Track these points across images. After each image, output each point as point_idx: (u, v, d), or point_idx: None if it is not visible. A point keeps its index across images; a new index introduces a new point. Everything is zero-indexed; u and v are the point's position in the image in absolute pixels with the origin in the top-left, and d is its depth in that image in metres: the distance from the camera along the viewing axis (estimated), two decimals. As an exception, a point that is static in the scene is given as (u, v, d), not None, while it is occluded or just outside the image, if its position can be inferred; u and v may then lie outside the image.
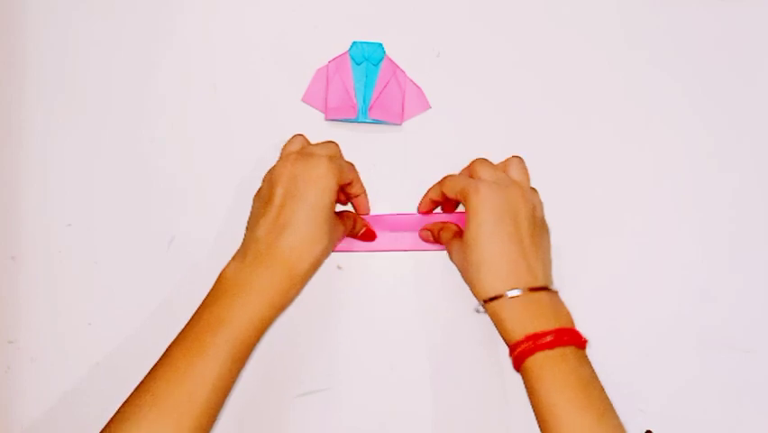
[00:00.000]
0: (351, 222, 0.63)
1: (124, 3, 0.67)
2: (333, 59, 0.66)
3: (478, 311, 0.58)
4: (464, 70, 0.67)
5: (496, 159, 0.66)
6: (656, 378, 0.65)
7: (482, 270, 0.56)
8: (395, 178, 0.66)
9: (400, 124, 0.66)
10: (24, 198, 0.66)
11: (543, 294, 0.56)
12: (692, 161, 0.67)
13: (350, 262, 0.66)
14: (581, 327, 0.64)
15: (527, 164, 0.64)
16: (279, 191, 0.57)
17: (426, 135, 0.66)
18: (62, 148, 0.66)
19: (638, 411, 0.65)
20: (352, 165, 0.62)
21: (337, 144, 0.61)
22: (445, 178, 0.62)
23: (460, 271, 0.60)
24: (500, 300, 0.55)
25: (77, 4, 0.67)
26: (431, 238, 0.64)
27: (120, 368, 0.65)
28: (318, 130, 0.66)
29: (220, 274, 0.57)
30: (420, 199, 0.65)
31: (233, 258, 0.58)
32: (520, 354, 0.54)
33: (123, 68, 0.67)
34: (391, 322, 0.65)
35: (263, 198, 0.59)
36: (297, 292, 0.57)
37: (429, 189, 0.64)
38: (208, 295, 0.56)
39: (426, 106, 0.67)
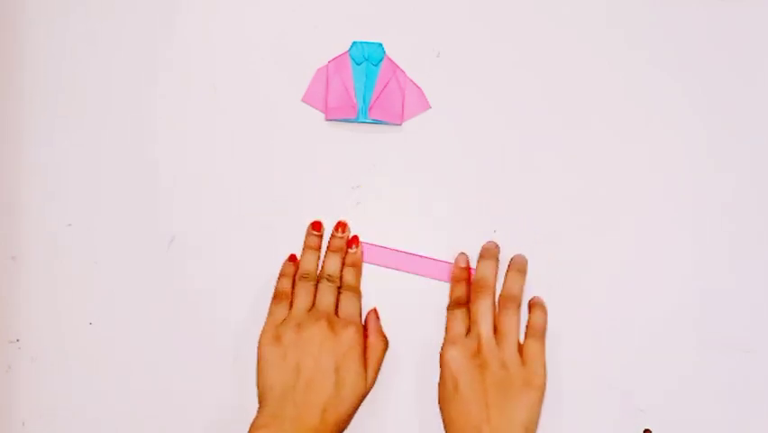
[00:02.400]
0: (380, 348, 0.64)
1: (125, 3, 0.67)
2: (333, 59, 0.66)
3: None
4: (464, 70, 0.67)
5: (496, 159, 0.66)
6: (656, 378, 0.65)
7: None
8: (395, 178, 0.66)
9: (400, 124, 0.66)
10: (25, 198, 0.66)
11: None
12: (692, 161, 0.66)
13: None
14: (582, 327, 0.65)
15: (526, 164, 0.65)
16: (309, 364, 0.60)
17: (426, 135, 0.66)
18: (63, 148, 0.66)
19: (638, 411, 0.65)
20: (352, 303, 0.64)
21: (335, 287, 0.64)
22: (451, 308, 0.64)
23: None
24: None
25: (77, 5, 0.67)
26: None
27: (120, 368, 0.65)
28: (318, 130, 0.66)
29: None
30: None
31: (263, 427, 0.59)
32: None
33: (123, 68, 0.67)
34: (391, 322, 0.65)
35: (289, 364, 0.61)
36: None
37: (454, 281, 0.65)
38: None
39: (426, 106, 0.67)
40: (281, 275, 0.65)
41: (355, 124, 0.66)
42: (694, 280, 0.66)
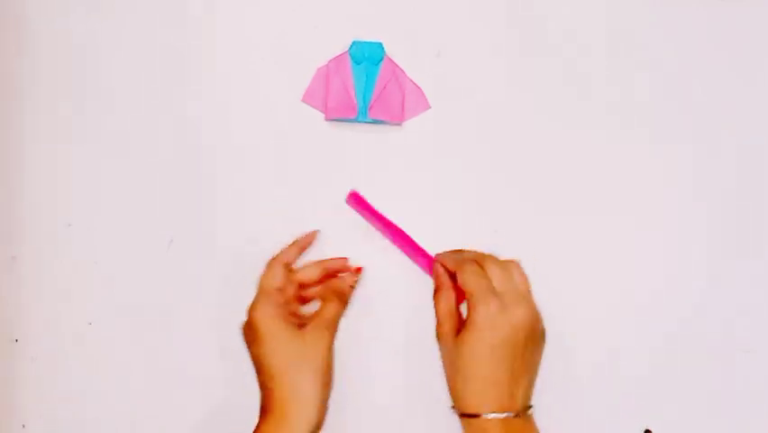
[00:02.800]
0: (334, 308, 0.62)
1: (125, 3, 0.67)
2: (333, 58, 0.66)
3: (453, 409, 0.59)
4: (464, 70, 0.67)
5: (496, 159, 0.66)
6: (656, 378, 0.65)
7: (469, 386, 0.57)
8: (395, 178, 0.66)
9: (400, 124, 0.66)
10: (25, 199, 0.66)
11: (520, 421, 0.57)
12: (692, 162, 0.66)
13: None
14: (581, 327, 0.65)
15: (526, 164, 0.65)
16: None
17: (426, 135, 0.66)
18: (63, 148, 0.66)
19: (638, 411, 0.65)
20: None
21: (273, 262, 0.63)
22: (464, 266, 0.60)
23: (444, 368, 0.60)
24: (478, 420, 0.56)
25: (78, 4, 0.67)
26: (437, 273, 0.63)
27: (120, 368, 0.65)
28: (318, 130, 0.66)
29: None
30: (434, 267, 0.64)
31: None
32: None
33: (123, 68, 0.67)
34: (391, 322, 0.65)
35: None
36: None
37: (446, 257, 0.63)
38: None
39: (426, 106, 0.67)
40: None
41: (355, 124, 0.66)
42: (694, 280, 0.66)
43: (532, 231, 0.66)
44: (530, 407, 0.58)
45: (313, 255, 0.65)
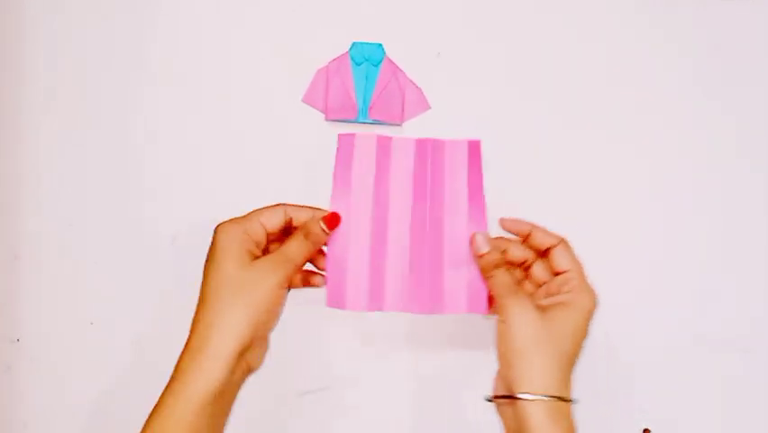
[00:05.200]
0: (298, 245, 0.55)
1: (125, 3, 0.67)
2: (334, 59, 0.66)
3: (488, 400, 0.55)
4: (464, 70, 0.67)
5: (495, 159, 0.66)
6: (655, 377, 0.65)
7: (536, 368, 0.52)
8: (395, 178, 0.66)
9: (400, 125, 0.66)
10: (27, 199, 0.66)
11: (569, 407, 0.53)
12: (691, 162, 0.67)
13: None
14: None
15: (526, 164, 0.65)
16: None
17: (426, 135, 0.66)
18: (64, 148, 0.67)
19: (638, 411, 0.65)
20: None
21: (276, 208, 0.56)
22: (559, 245, 0.56)
23: (500, 343, 0.53)
24: (534, 402, 0.51)
25: (77, 4, 0.67)
26: (481, 250, 0.55)
27: (120, 368, 0.65)
28: (318, 130, 0.66)
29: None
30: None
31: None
32: None
33: (124, 68, 0.67)
34: (390, 321, 0.65)
35: None
36: (219, 376, 0.52)
37: (504, 243, 0.57)
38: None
39: (426, 107, 0.67)
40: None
41: (355, 125, 0.66)
42: (694, 280, 0.66)
43: (531, 231, 0.66)
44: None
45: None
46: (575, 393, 0.63)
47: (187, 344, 0.53)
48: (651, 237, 0.66)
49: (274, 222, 0.55)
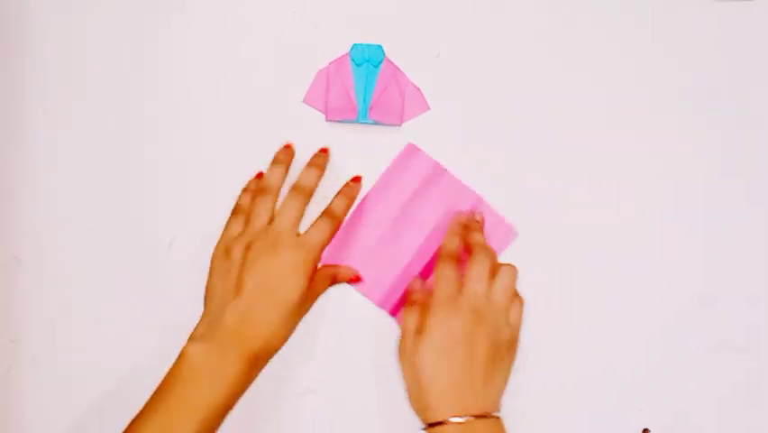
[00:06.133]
0: (326, 284, 0.63)
1: (126, 3, 0.67)
2: (334, 60, 0.67)
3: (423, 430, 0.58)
4: (464, 71, 0.67)
5: (495, 160, 0.66)
6: (655, 378, 0.65)
7: (427, 395, 0.56)
8: (395, 178, 0.66)
9: (400, 125, 0.66)
10: (27, 198, 0.66)
11: (486, 422, 0.56)
12: (690, 163, 0.67)
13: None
14: (580, 327, 0.65)
15: (526, 164, 0.65)
16: (250, 283, 0.58)
17: (426, 136, 0.67)
18: (64, 148, 0.67)
19: (637, 411, 0.65)
20: (322, 228, 0.62)
21: (301, 196, 0.62)
22: (438, 266, 0.61)
23: (407, 386, 0.59)
24: (443, 427, 0.55)
25: (78, 4, 0.67)
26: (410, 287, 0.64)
27: (120, 368, 0.65)
28: (319, 131, 0.66)
29: (184, 352, 0.58)
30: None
31: (198, 337, 0.59)
32: None
33: (124, 68, 0.67)
34: (391, 322, 0.65)
35: (231, 280, 0.59)
36: (255, 378, 0.60)
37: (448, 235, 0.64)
38: (173, 372, 0.57)
39: (426, 108, 0.67)
40: (244, 190, 0.64)
41: (355, 125, 0.66)
42: (693, 281, 0.66)
43: (531, 231, 0.66)
44: (498, 412, 0.58)
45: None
46: (573, 392, 0.64)
47: (237, 337, 0.58)
48: (648, 238, 0.66)
49: (327, 242, 0.62)
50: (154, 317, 0.65)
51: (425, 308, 0.59)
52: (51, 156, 0.66)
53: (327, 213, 0.63)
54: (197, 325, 0.60)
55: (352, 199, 0.65)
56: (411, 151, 0.66)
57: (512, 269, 0.61)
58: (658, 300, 0.66)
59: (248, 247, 0.60)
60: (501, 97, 0.67)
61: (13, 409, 0.65)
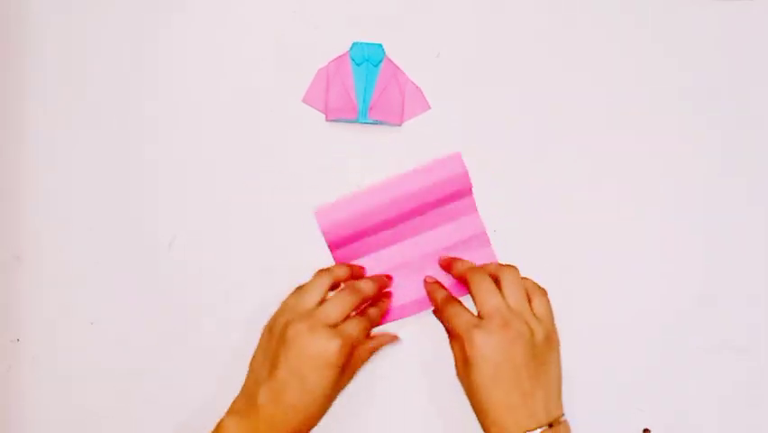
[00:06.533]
0: (367, 356, 0.63)
1: (125, 3, 0.67)
2: (334, 59, 0.67)
3: None
4: (464, 71, 0.67)
5: (495, 159, 0.66)
6: (655, 378, 0.65)
7: (487, 419, 0.57)
8: (395, 178, 0.66)
9: (400, 125, 0.66)
10: (27, 198, 0.66)
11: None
12: (690, 163, 0.67)
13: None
14: (580, 327, 0.65)
15: (526, 164, 0.65)
16: (284, 364, 0.58)
17: (426, 136, 0.67)
18: (64, 148, 0.67)
19: (637, 411, 0.65)
20: (362, 325, 0.61)
21: (353, 297, 0.61)
22: (447, 306, 0.62)
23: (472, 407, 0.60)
24: None
25: (78, 4, 0.67)
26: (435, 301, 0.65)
27: (120, 368, 0.65)
28: (319, 130, 0.66)
29: (222, 425, 0.58)
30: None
31: (236, 411, 0.59)
32: None
33: (124, 68, 0.67)
34: (391, 322, 0.65)
35: (269, 358, 0.59)
36: None
37: (433, 293, 0.64)
38: None
39: (426, 107, 0.67)
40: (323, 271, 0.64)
41: (355, 125, 0.66)
42: (693, 281, 0.66)
43: (531, 231, 0.66)
44: (561, 416, 0.59)
45: (313, 257, 0.65)
46: (573, 393, 0.64)
47: (269, 418, 0.58)
48: (650, 238, 0.66)
49: (361, 338, 0.61)
50: (154, 317, 0.65)
51: (462, 335, 0.59)
52: (51, 156, 0.66)
53: (365, 314, 0.63)
54: (237, 397, 0.60)
55: (384, 312, 0.65)
56: (455, 160, 0.66)
57: (511, 268, 0.61)
58: (658, 300, 0.66)
59: (287, 324, 0.59)
60: (501, 97, 0.67)
61: (13, 410, 0.65)
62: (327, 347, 0.58)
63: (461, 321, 0.60)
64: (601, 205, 0.66)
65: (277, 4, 0.67)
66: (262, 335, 0.61)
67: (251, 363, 0.61)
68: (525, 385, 0.57)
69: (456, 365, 0.61)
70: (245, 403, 0.59)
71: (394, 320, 0.65)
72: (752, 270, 0.66)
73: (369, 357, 0.63)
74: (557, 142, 0.67)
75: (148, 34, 0.67)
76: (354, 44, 0.66)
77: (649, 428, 0.64)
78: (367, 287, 0.63)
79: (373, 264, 0.66)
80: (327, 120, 0.66)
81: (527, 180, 0.66)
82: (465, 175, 0.65)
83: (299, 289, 0.62)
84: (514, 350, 0.57)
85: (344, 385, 0.62)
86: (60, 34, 0.67)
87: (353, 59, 0.66)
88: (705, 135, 0.67)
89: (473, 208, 0.66)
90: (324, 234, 0.65)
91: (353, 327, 0.60)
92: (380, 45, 0.66)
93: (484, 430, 0.58)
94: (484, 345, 0.57)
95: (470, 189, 0.66)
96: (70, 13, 0.67)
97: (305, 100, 0.67)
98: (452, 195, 0.65)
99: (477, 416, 0.59)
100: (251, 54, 0.67)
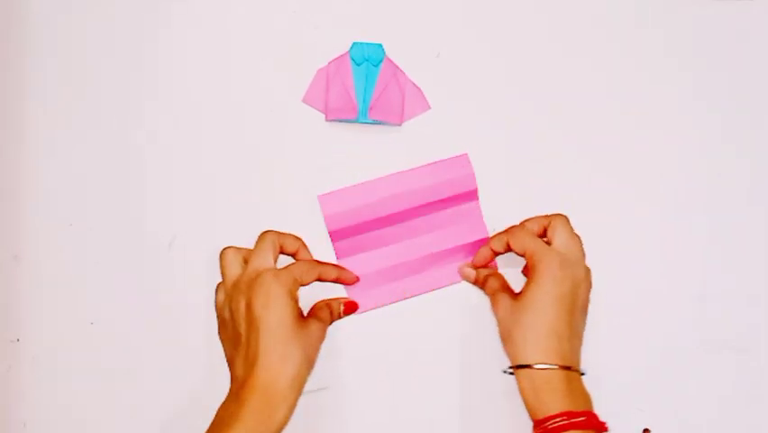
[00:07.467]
0: (326, 312, 0.63)
1: (125, 3, 0.67)
2: (334, 59, 0.67)
3: (505, 372, 0.59)
4: (464, 71, 0.67)
5: (495, 160, 0.66)
6: (655, 378, 0.65)
7: (529, 336, 0.58)
8: (395, 178, 0.66)
9: (400, 125, 0.66)
10: (27, 198, 0.66)
11: (575, 375, 0.58)
12: (690, 163, 0.67)
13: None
14: (580, 326, 0.65)
15: (526, 164, 0.65)
16: (243, 326, 0.58)
17: (426, 136, 0.67)
18: (64, 148, 0.67)
19: (637, 411, 0.65)
20: (306, 266, 0.61)
21: (273, 237, 0.61)
22: (514, 230, 0.62)
23: (500, 326, 0.61)
24: (534, 371, 0.57)
25: (78, 5, 0.67)
26: (471, 279, 0.65)
27: (121, 368, 0.65)
28: (319, 131, 0.66)
29: (215, 415, 0.58)
30: (479, 250, 0.65)
31: (228, 395, 0.59)
32: (554, 429, 0.56)
33: (124, 68, 0.67)
34: (391, 321, 0.66)
35: (231, 339, 0.60)
36: (286, 413, 0.57)
37: (492, 239, 0.64)
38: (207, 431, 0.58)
39: (426, 107, 0.67)
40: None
41: (355, 125, 0.66)
42: (693, 281, 0.66)
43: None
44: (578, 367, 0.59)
45: (313, 256, 0.65)
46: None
47: (247, 382, 0.57)
48: (650, 239, 0.66)
49: (307, 280, 0.61)
50: (154, 317, 0.65)
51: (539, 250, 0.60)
52: (51, 156, 0.66)
53: (317, 262, 0.63)
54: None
55: (340, 281, 0.65)
56: (462, 161, 0.65)
57: (560, 216, 0.62)
58: (658, 300, 0.66)
59: (231, 292, 0.60)
60: (501, 97, 0.67)
61: (13, 410, 0.65)
62: (270, 283, 0.58)
63: (535, 242, 0.60)
64: (601, 205, 0.66)
65: (277, 4, 0.67)
66: (217, 316, 0.62)
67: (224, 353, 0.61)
68: (574, 324, 0.59)
69: (499, 292, 0.61)
70: (232, 385, 0.59)
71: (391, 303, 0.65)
72: (752, 270, 0.66)
73: (330, 315, 0.63)
74: (557, 142, 0.67)
75: (148, 34, 0.67)
76: (354, 44, 0.66)
77: (649, 428, 0.64)
78: (294, 244, 0.63)
79: (374, 261, 0.65)
80: (327, 120, 0.66)
81: (527, 180, 0.66)
82: (472, 176, 0.65)
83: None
84: (579, 287, 0.59)
85: (316, 336, 0.60)
86: (60, 34, 0.67)
87: (353, 59, 0.66)
88: (705, 135, 0.67)
89: (478, 213, 0.66)
90: (326, 220, 0.65)
91: (295, 266, 0.61)
92: (380, 45, 0.66)
93: (515, 354, 0.58)
94: (560, 269, 0.58)
95: (476, 192, 0.65)
96: (70, 13, 0.67)
97: (305, 100, 0.67)
98: (458, 196, 0.65)
99: (513, 338, 0.59)
100: (251, 54, 0.67)
